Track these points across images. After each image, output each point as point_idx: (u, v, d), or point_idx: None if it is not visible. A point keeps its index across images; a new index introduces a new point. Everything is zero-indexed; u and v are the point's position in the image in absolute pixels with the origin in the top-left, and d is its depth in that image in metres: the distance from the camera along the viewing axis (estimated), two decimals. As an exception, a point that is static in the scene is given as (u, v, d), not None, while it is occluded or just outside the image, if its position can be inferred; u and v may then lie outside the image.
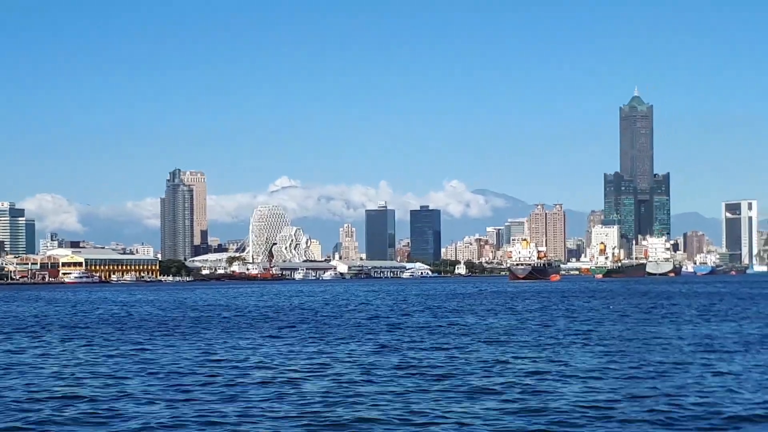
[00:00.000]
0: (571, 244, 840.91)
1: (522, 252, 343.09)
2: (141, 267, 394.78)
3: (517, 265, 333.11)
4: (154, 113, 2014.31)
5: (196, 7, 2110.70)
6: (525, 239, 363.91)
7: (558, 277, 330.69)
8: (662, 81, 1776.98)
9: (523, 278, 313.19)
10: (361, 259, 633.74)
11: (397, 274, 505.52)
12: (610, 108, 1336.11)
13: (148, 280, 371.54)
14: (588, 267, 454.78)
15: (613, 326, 63.25)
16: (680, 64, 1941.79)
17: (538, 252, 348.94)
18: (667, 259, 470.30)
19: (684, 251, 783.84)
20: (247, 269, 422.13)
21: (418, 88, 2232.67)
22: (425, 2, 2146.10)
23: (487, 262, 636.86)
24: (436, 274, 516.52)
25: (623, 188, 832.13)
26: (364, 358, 42.11)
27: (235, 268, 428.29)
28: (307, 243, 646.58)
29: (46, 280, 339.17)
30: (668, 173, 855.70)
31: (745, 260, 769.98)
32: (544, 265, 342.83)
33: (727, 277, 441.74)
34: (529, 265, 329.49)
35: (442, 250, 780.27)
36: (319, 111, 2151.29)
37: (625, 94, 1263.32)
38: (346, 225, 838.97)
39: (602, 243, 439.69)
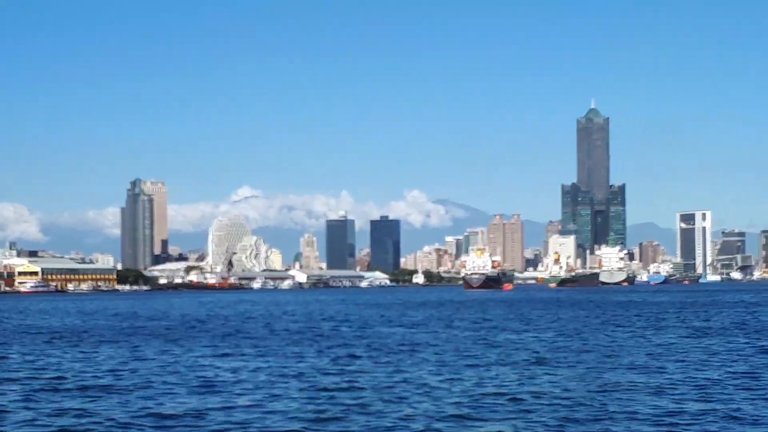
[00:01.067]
0: (529, 254, 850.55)
1: (476, 262, 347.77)
2: (98, 276, 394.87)
3: (472, 274, 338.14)
4: (117, 122, 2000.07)
5: (154, 17, 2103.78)
6: (479, 249, 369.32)
7: (510, 287, 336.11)
8: (618, 93, 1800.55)
9: (478, 287, 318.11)
10: (320, 269, 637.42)
11: (355, 283, 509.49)
12: (568, 120, 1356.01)
13: (105, 289, 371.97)
14: (543, 276, 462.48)
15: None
16: (636, 77, 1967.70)
17: (493, 262, 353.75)
18: (620, 269, 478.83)
19: (640, 261, 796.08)
20: (205, 278, 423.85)
21: (379, 99, 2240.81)
22: (382, 15, 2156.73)
23: (445, 272, 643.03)
24: (394, 284, 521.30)
25: (580, 199, 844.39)
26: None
27: (193, 277, 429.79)
28: (267, 252, 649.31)
29: (2, 289, 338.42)
30: (624, 184, 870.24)
31: (699, 270, 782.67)
32: (498, 274, 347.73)
33: (679, 286, 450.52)
34: (483, 274, 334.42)
35: (402, 259, 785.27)
36: (281, 121, 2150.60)
37: (582, 107, 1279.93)
38: (307, 235, 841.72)
39: (556, 253, 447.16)
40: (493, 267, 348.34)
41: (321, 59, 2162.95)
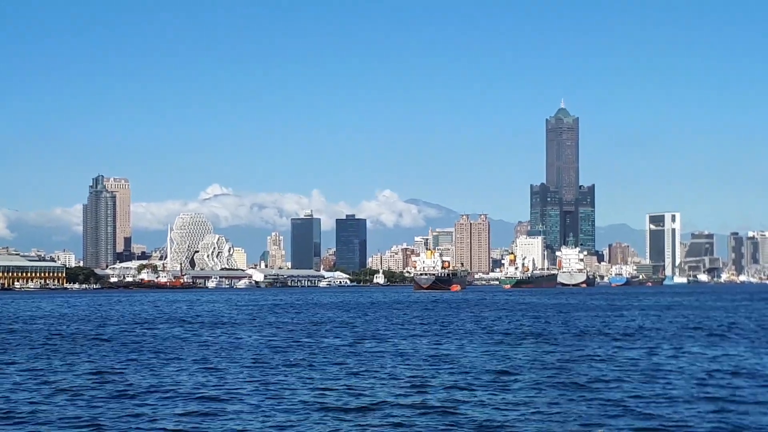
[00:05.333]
0: (497, 254, 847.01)
1: (426, 262, 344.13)
2: (46, 274, 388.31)
3: (421, 275, 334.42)
4: (85, 119, 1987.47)
5: (122, 16, 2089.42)
6: (430, 250, 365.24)
7: (458, 288, 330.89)
8: (588, 94, 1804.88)
9: (427, 288, 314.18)
10: (280, 267, 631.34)
11: (314, 282, 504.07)
12: (537, 119, 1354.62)
13: (53, 287, 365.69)
14: (500, 278, 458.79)
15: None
16: (606, 78, 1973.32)
17: (443, 262, 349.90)
18: (580, 270, 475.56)
19: (609, 262, 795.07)
20: (157, 277, 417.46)
21: (352, 99, 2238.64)
22: (353, 19, 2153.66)
23: (407, 272, 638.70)
24: (355, 283, 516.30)
25: (549, 199, 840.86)
26: None
27: (144, 276, 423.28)
28: (229, 251, 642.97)
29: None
30: (593, 185, 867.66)
31: (668, 271, 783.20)
32: (448, 275, 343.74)
33: (638, 288, 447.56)
34: (433, 275, 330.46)
35: (369, 259, 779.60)
36: (252, 118, 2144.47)
37: (552, 106, 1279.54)
38: (273, 233, 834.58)
39: (512, 254, 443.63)
40: (443, 267, 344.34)
41: (293, 60, 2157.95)
